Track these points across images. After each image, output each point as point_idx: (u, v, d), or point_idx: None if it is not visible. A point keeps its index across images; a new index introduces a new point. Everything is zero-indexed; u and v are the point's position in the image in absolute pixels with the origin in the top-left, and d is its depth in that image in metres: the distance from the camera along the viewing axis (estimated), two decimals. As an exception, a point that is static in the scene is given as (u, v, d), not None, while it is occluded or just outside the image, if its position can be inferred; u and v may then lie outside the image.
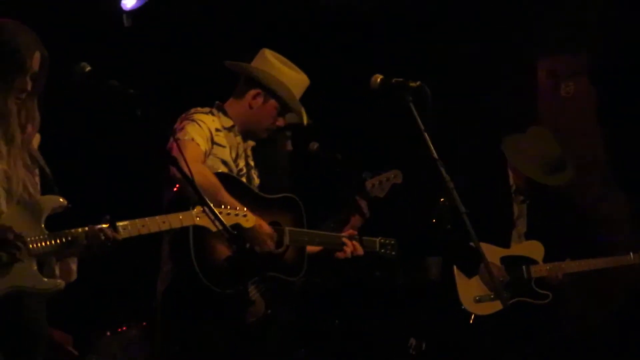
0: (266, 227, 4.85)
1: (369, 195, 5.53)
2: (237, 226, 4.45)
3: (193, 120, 4.89)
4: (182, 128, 4.84)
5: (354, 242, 5.36)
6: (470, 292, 6.22)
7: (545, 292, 6.29)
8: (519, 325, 6.14)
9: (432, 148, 4.31)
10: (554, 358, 6.58)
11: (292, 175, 5.76)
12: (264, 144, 5.35)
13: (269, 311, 5.02)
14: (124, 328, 7.14)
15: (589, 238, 6.65)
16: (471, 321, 6.21)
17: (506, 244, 6.36)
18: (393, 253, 5.64)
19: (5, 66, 3.82)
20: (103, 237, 3.89)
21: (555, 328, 6.56)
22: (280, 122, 5.16)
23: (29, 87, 3.87)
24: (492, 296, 6.16)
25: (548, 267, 6.29)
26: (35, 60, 3.87)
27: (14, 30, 3.87)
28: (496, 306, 6.15)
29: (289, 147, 5.78)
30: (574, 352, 6.90)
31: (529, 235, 6.42)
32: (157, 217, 4.09)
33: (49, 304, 4.04)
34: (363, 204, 5.49)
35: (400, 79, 4.46)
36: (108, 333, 7.13)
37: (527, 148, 6.34)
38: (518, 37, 7.92)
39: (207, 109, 5.02)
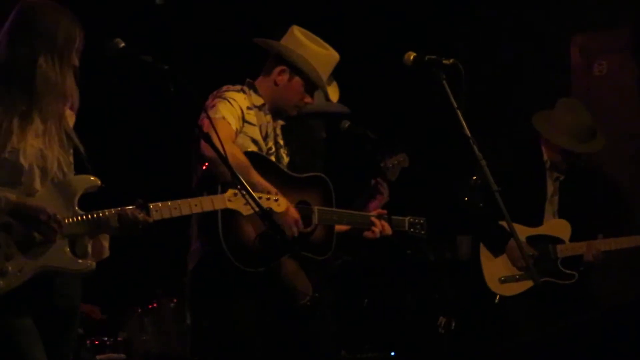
0: (293, 212, 4.84)
1: (387, 178, 5.49)
2: (268, 211, 4.44)
3: (224, 98, 4.87)
4: (214, 106, 4.82)
5: (383, 221, 5.33)
6: (496, 272, 6.22)
7: (571, 272, 6.26)
8: (545, 305, 6.10)
9: (465, 126, 4.29)
10: (582, 337, 6.54)
11: (328, 161, 5.72)
12: (299, 132, 5.35)
13: (317, 294, 5.02)
14: (155, 305, 7.21)
15: (623, 217, 6.59)
16: (496, 301, 6.19)
17: (539, 222, 6.33)
18: (422, 232, 5.57)
19: (62, 44, 3.85)
20: (134, 219, 3.91)
21: (583, 309, 6.51)
22: (308, 99, 5.13)
23: (77, 63, 3.92)
24: (517, 276, 6.17)
25: (575, 247, 6.26)
26: (81, 37, 3.91)
27: (56, 8, 3.90)
28: (521, 287, 6.16)
29: (323, 134, 5.74)
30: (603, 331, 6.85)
31: (561, 213, 6.37)
32: (189, 200, 4.11)
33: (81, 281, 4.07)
34: (383, 188, 5.45)
35: (434, 56, 4.44)
36: (139, 310, 7.20)
37: (558, 119, 6.30)
38: (552, 14, 7.87)
39: (238, 87, 5.00)
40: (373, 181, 5.44)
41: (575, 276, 6.25)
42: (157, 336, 7.17)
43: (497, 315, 6.26)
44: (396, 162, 5.50)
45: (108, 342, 6.95)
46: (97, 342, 6.88)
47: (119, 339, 7.06)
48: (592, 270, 6.35)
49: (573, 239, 6.29)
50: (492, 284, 6.23)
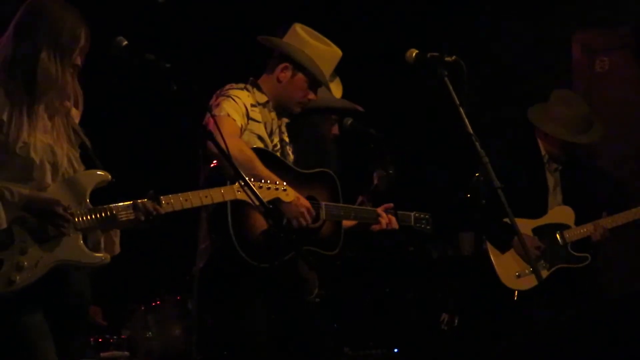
0: (304, 201, 4.85)
1: (389, 172, 5.50)
2: (276, 200, 4.48)
3: (228, 96, 4.90)
4: (218, 104, 4.85)
5: (390, 215, 5.36)
6: (509, 268, 6.19)
7: (583, 254, 6.26)
8: (562, 293, 6.11)
9: (467, 123, 4.30)
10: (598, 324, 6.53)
11: (340, 159, 5.73)
12: (310, 128, 5.38)
13: (323, 291, 5.03)
14: (158, 302, 7.22)
15: (624, 198, 6.58)
16: (515, 298, 6.18)
17: (543, 214, 6.34)
18: (428, 227, 5.61)
19: (65, 41, 3.87)
20: (146, 211, 3.93)
21: (599, 292, 6.51)
22: (312, 96, 5.14)
23: (79, 62, 3.93)
24: (530, 269, 6.14)
25: (582, 229, 6.27)
26: (85, 35, 3.92)
27: (64, 6, 3.92)
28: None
29: (336, 131, 5.75)
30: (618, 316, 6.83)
31: (566, 202, 6.38)
32: (199, 191, 4.14)
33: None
34: (367, 206, 5.47)
35: (436, 54, 4.46)
36: (142, 307, 7.21)
37: (554, 111, 6.31)
38: (554, 12, 7.88)
39: (241, 85, 5.02)
40: (359, 199, 5.47)
41: (588, 258, 6.27)
42: (160, 334, 7.18)
43: (514, 310, 6.24)
44: (384, 173, 5.53)
45: (111, 340, 6.96)
46: (100, 340, 6.89)
47: (122, 336, 7.07)
48: (600, 249, 6.36)
49: (579, 223, 6.31)
50: (508, 280, 6.20)
